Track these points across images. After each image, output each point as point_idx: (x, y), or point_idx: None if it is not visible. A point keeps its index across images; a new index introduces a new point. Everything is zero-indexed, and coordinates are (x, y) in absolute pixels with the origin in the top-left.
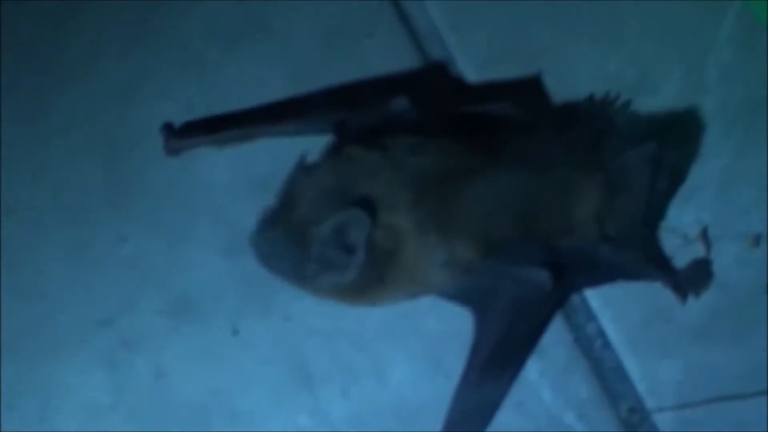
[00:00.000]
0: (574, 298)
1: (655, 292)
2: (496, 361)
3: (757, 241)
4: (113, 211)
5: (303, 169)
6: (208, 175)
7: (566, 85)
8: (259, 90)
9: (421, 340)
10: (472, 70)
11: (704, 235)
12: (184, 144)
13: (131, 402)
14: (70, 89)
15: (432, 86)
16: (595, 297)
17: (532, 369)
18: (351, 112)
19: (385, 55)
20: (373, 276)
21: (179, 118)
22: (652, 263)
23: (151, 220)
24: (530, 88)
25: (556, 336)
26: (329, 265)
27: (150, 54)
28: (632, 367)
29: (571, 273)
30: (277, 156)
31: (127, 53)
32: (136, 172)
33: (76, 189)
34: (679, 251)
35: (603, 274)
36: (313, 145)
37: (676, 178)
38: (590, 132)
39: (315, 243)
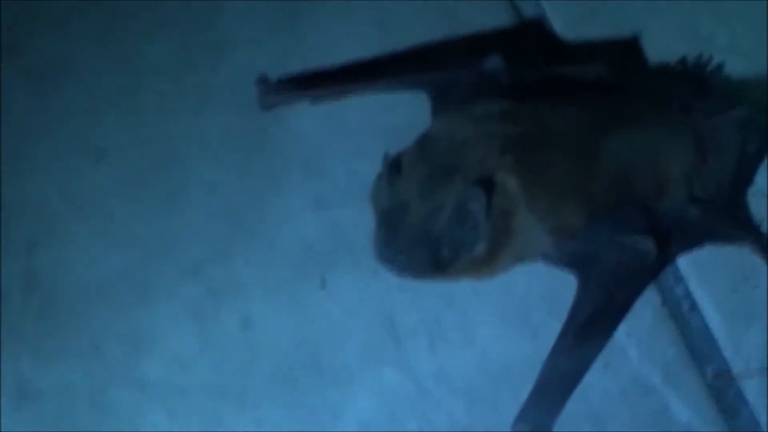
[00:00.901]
0: None
1: (743, 257)
2: (593, 324)
3: None
4: (204, 160)
5: (394, 167)
6: (299, 126)
7: (658, 46)
8: (350, 42)
9: (509, 298)
10: (563, 28)
11: None
12: (279, 99)
13: (217, 352)
14: (163, 37)
15: (526, 45)
16: (683, 259)
17: (620, 330)
18: (444, 71)
19: (476, 10)
20: (497, 244)
21: (271, 69)
22: (739, 226)
23: (241, 171)
24: (624, 49)
25: (643, 297)
26: (461, 247)
27: (244, 4)
28: (719, 330)
29: (672, 240)
30: (366, 108)
31: (220, 4)
32: (228, 122)
33: (167, 136)
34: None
35: (693, 238)
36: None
37: (766, 142)
38: (682, 94)
39: (442, 234)
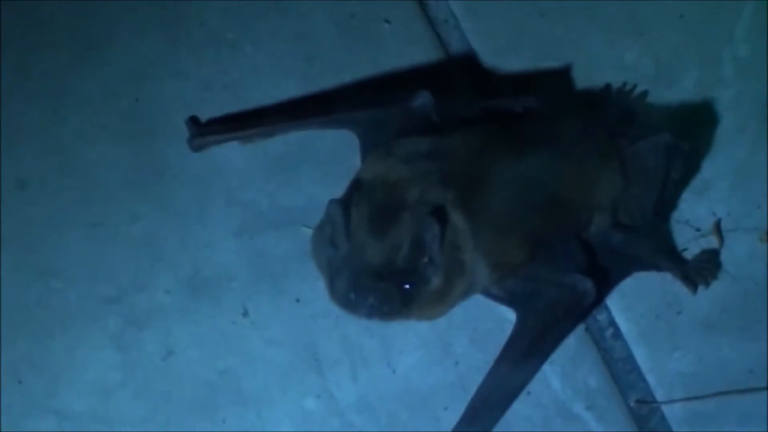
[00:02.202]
0: None
1: (666, 284)
2: (528, 356)
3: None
4: (126, 189)
5: (339, 208)
6: (222, 156)
7: (583, 74)
8: (275, 71)
9: (432, 325)
10: (488, 58)
11: (717, 228)
12: (209, 140)
13: (140, 381)
14: (86, 66)
15: (454, 80)
16: None
17: None
18: (373, 109)
19: (401, 41)
20: (449, 277)
21: (195, 98)
22: (662, 253)
23: (164, 200)
24: (551, 79)
25: None
26: (421, 280)
27: (166, 33)
28: (642, 358)
29: (608, 276)
30: (289, 139)
31: (143, 32)
32: (151, 152)
33: (89, 166)
34: (692, 243)
35: (619, 268)
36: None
37: (690, 169)
38: (608, 120)
39: (403, 269)
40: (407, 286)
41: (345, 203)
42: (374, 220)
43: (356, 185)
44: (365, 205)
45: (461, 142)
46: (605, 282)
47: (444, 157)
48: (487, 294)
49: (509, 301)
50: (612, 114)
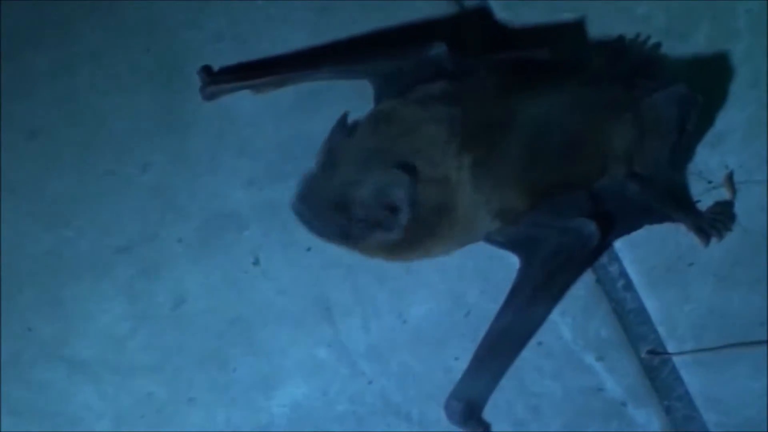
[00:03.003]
0: None
1: (678, 235)
2: (532, 304)
3: None
4: (138, 139)
5: (343, 129)
6: (234, 106)
7: (596, 27)
8: (287, 22)
9: (443, 276)
10: (501, 11)
11: (729, 180)
12: (221, 89)
13: (150, 330)
14: (97, 16)
15: (469, 32)
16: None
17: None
18: (388, 59)
19: None
20: (423, 232)
21: (207, 48)
22: (676, 204)
23: (175, 149)
24: (564, 31)
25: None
26: (375, 226)
27: None
28: (653, 309)
29: (614, 222)
30: (301, 89)
31: None
32: (162, 102)
33: (100, 116)
34: (704, 195)
35: (632, 218)
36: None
37: (704, 121)
38: (622, 71)
39: (358, 205)
40: (355, 228)
41: (355, 123)
42: (369, 152)
43: (375, 115)
44: (373, 136)
45: (474, 88)
46: (612, 227)
47: (458, 103)
48: (490, 240)
49: (512, 246)
50: (626, 65)
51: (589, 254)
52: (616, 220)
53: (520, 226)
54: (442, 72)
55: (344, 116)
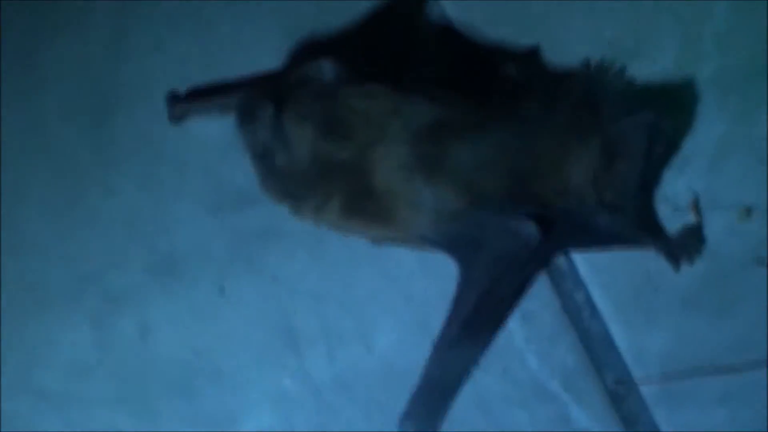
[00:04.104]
0: (563, 265)
1: (644, 261)
2: (478, 316)
3: (748, 212)
4: (103, 165)
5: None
6: (199, 132)
7: (562, 50)
8: (253, 46)
9: (409, 304)
10: (468, 33)
11: (695, 205)
12: (188, 110)
13: (116, 359)
14: (63, 42)
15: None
16: (583, 264)
17: (519, 335)
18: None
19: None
20: (362, 207)
21: (173, 73)
22: (645, 229)
23: (141, 176)
24: (529, 53)
25: (543, 303)
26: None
27: (144, 8)
28: (620, 336)
29: (561, 231)
30: None
31: (121, 7)
32: (128, 127)
33: (66, 142)
34: (670, 219)
35: (597, 238)
36: None
37: (671, 146)
38: (587, 97)
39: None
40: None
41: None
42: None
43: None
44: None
45: (437, 96)
46: (553, 229)
47: (418, 105)
48: (427, 239)
49: (451, 248)
50: (591, 90)
51: (534, 258)
52: (569, 227)
53: (457, 225)
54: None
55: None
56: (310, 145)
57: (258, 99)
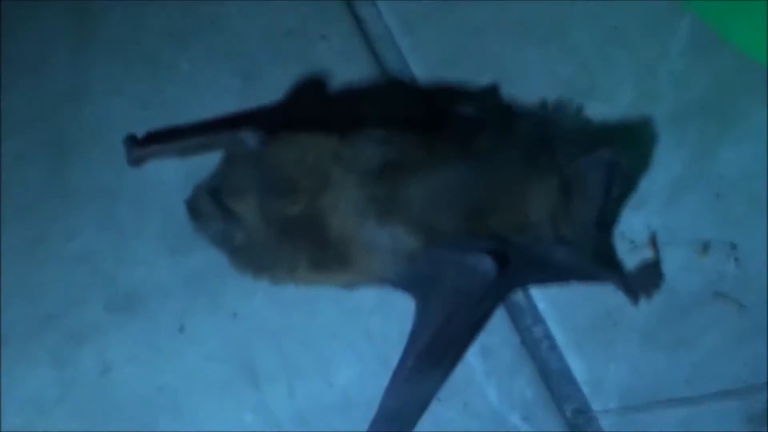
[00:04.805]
0: (521, 300)
1: (602, 295)
2: (434, 350)
3: (705, 248)
4: (64, 207)
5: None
6: (158, 173)
7: (519, 89)
8: (211, 88)
9: (368, 339)
10: (424, 72)
11: (653, 242)
12: (147, 153)
13: (77, 397)
14: (22, 86)
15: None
16: (542, 299)
17: (479, 370)
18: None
19: (338, 58)
20: (324, 257)
21: (132, 116)
22: (604, 265)
23: (100, 217)
24: (485, 92)
25: (502, 337)
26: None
27: (103, 51)
28: (578, 369)
29: (518, 266)
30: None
31: (80, 50)
32: (88, 169)
33: (26, 184)
34: (628, 255)
35: (554, 274)
36: None
37: (629, 183)
38: (544, 135)
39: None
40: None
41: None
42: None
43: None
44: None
45: (388, 137)
46: (509, 264)
47: (368, 145)
48: (387, 281)
49: (409, 287)
50: (548, 129)
51: (490, 293)
52: (526, 262)
53: (415, 265)
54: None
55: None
56: (260, 212)
57: (197, 194)
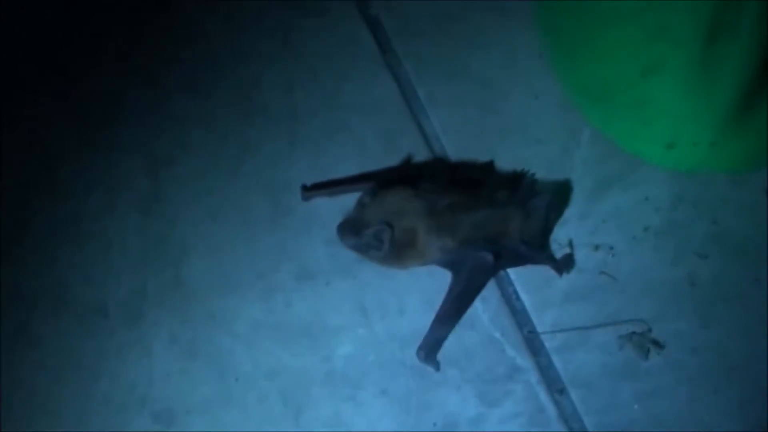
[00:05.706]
0: (503, 274)
1: (545, 271)
2: (460, 297)
3: (596, 248)
4: None
5: (370, 194)
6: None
7: (505, 165)
8: (340, 163)
9: (423, 294)
10: (454, 155)
11: (570, 244)
12: (312, 195)
13: None
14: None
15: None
16: (512, 273)
17: (480, 309)
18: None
19: (410, 150)
20: (400, 253)
21: (295, 177)
22: (545, 255)
23: None
24: (488, 167)
25: (491, 293)
26: (373, 247)
27: (271, 127)
28: (532, 307)
29: (504, 258)
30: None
31: (250, 120)
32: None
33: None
34: (557, 251)
35: (521, 261)
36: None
37: (558, 213)
38: (514, 189)
39: (365, 237)
40: (366, 245)
41: (371, 195)
42: (374, 211)
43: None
44: (378, 200)
45: (441, 193)
46: (503, 258)
47: (430, 196)
48: (437, 262)
49: (447, 266)
50: (519, 190)
51: (489, 271)
52: (509, 258)
53: (450, 255)
54: (426, 180)
55: (374, 187)
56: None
57: (343, 222)
